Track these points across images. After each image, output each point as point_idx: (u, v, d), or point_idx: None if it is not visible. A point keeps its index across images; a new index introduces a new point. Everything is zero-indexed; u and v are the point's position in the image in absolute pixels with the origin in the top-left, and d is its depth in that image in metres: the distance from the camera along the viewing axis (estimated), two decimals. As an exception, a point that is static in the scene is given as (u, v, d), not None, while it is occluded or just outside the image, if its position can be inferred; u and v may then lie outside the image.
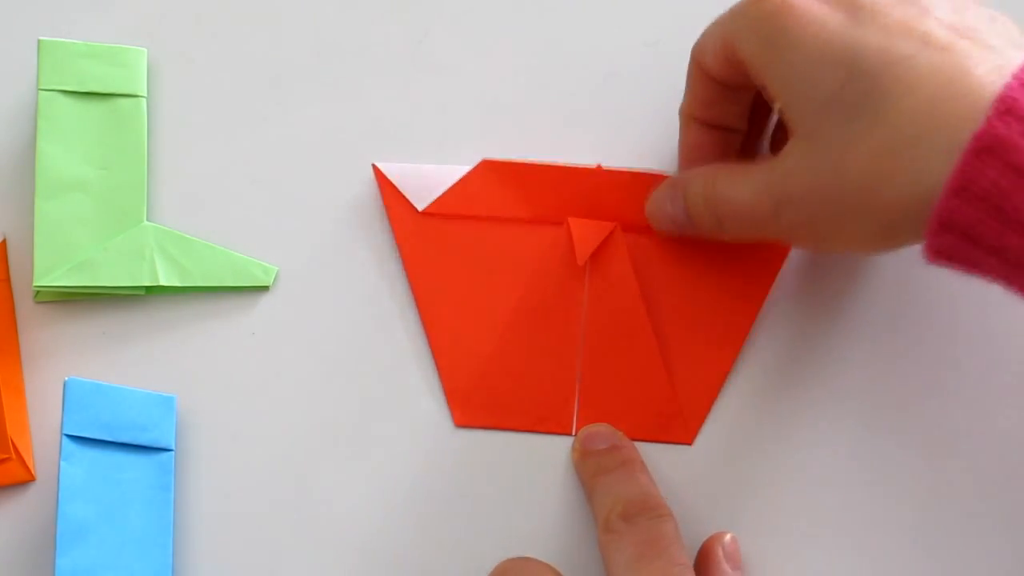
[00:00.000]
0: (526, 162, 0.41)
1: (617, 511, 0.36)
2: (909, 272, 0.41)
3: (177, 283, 0.41)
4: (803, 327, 0.41)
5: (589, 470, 0.38)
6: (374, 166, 0.41)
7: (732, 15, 0.35)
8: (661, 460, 0.40)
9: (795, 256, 0.41)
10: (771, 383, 0.40)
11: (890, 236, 0.32)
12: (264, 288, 0.42)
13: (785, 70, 0.33)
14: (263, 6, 0.44)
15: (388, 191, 0.41)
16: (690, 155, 0.39)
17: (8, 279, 0.42)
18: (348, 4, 0.44)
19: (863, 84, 0.31)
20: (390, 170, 0.41)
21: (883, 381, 0.40)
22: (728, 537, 0.38)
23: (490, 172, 0.41)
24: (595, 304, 0.40)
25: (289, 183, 0.42)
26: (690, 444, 0.40)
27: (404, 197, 0.41)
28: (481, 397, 0.40)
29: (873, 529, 0.39)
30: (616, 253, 0.40)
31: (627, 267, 0.40)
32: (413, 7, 0.44)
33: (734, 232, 0.37)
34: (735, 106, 0.38)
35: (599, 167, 0.41)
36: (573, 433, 0.40)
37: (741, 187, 0.35)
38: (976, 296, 0.40)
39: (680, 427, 0.40)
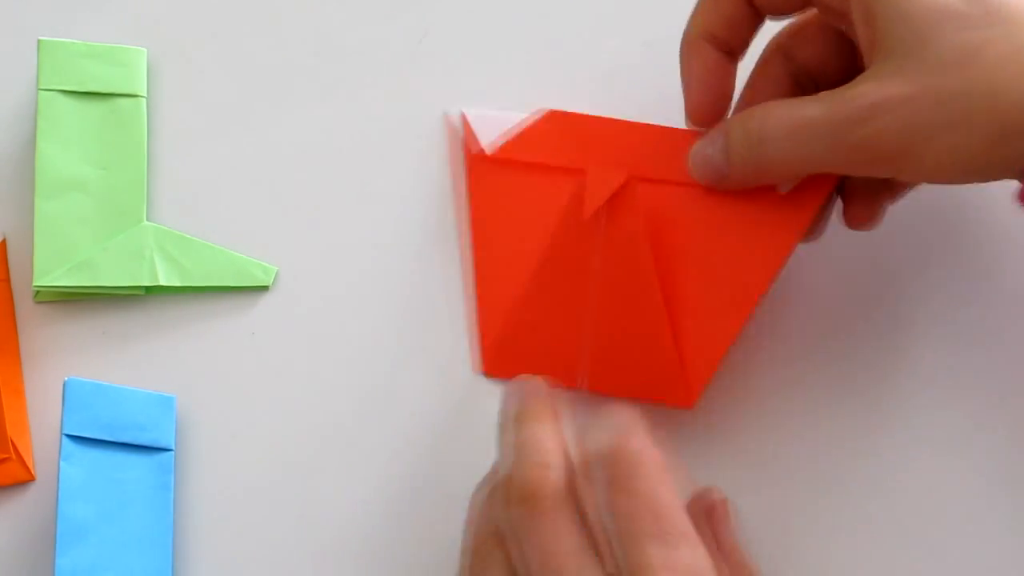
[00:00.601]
0: (591, 115, 0.40)
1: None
2: (916, 267, 0.41)
3: (177, 283, 0.41)
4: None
5: None
6: (462, 113, 0.42)
7: None
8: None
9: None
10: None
11: (994, 150, 0.32)
12: (264, 288, 0.42)
13: None
14: (263, 6, 0.44)
15: (467, 134, 0.42)
16: (702, 82, 0.38)
17: (8, 279, 0.42)
18: (348, 4, 0.44)
19: (985, 3, 0.32)
20: (472, 116, 0.42)
21: (894, 362, 0.40)
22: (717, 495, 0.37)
23: (555, 122, 0.41)
24: (606, 257, 0.39)
25: (289, 183, 0.42)
26: (691, 408, 0.39)
27: (478, 141, 0.41)
28: (507, 347, 0.41)
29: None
30: (629, 204, 0.39)
31: (638, 220, 0.39)
32: (413, 7, 0.44)
33: (783, 161, 0.35)
34: (751, 33, 0.38)
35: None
36: (582, 387, 0.39)
37: (808, 105, 0.34)
38: (979, 292, 0.40)
39: (682, 390, 0.39)
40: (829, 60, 0.37)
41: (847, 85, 0.34)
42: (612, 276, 0.39)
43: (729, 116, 0.38)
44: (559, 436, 0.35)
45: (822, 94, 0.34)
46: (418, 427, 0.40)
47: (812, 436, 0.40)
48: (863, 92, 0.33)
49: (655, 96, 0.42)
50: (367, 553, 0.40)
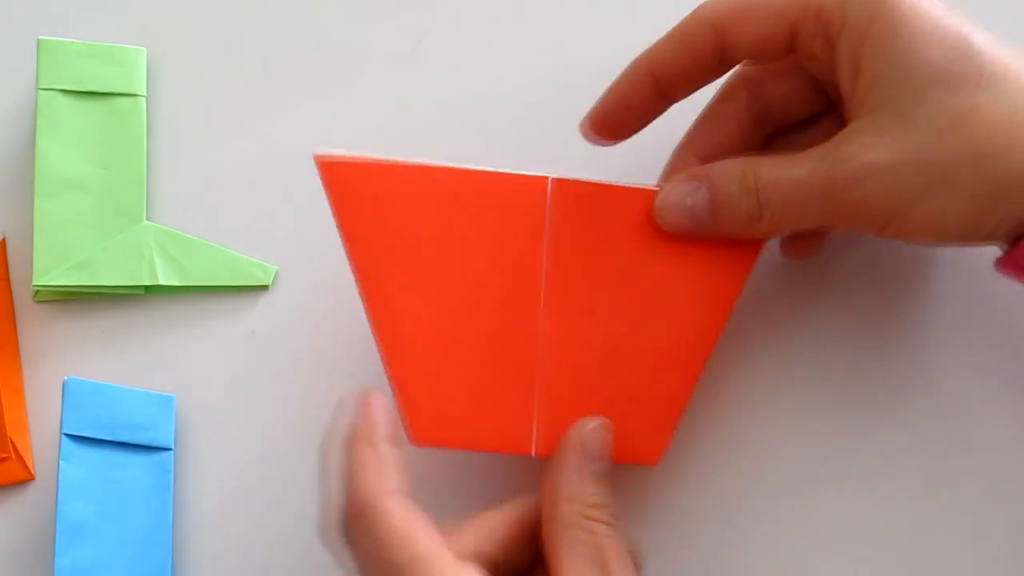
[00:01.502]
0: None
1: None
2: (910, 267, 0.41)
3: (176, 282, 0.41)
4: (781, 326, 0.40)
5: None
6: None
7: None
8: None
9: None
10: (763, 386, 0.40)
11: (980, 216, 0.32)
12: (263, 287, 0.42)
13: (892, 46, 0.33)
14: (263, 6, 0.44)
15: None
16: (623, 105, 0.37)
17: (8, 278, 0.42)
18: (348, 4, 0.44)
19: (975, 63, 0.32)
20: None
21: (882, 379, 0.40)
22: (592, 425, 0.35)
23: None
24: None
25: (289, 183, 0.42)
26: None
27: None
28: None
29: (870, 534, 0.39)
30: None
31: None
32: (413, 7, 0.44)
33: (777, 220, 0.35)
34: (703, 82, 0.37)
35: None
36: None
37: (798, 166, 0.34)
38: (976, 292, 0.40)
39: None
40: (796, 103, 0.37)
41: (834, 142, 0.34)
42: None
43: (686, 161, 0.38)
44: (395, 458, 0.33)
45: (811, 152, 0.34)
46: (418, 427, 0.40)
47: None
48: (852, 154, 0.33)
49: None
50: (366, 553, 0.40)
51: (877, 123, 0.33)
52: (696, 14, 0.36)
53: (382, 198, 0.36)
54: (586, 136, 0.38)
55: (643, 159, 0.42)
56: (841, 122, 0.35)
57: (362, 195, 0.36)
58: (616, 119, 0.38)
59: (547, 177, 0.37)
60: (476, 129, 0.43)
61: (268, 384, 0.41)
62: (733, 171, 0.35)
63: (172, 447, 0.39)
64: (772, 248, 0.40)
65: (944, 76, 0.32)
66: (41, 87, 0.41)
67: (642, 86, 0.37)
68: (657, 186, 0.37)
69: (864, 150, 0.33)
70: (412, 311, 0.36)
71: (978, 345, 0.40)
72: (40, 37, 0.41)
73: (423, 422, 0.36)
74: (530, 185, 0.36)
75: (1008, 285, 0.36)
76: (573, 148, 0.42)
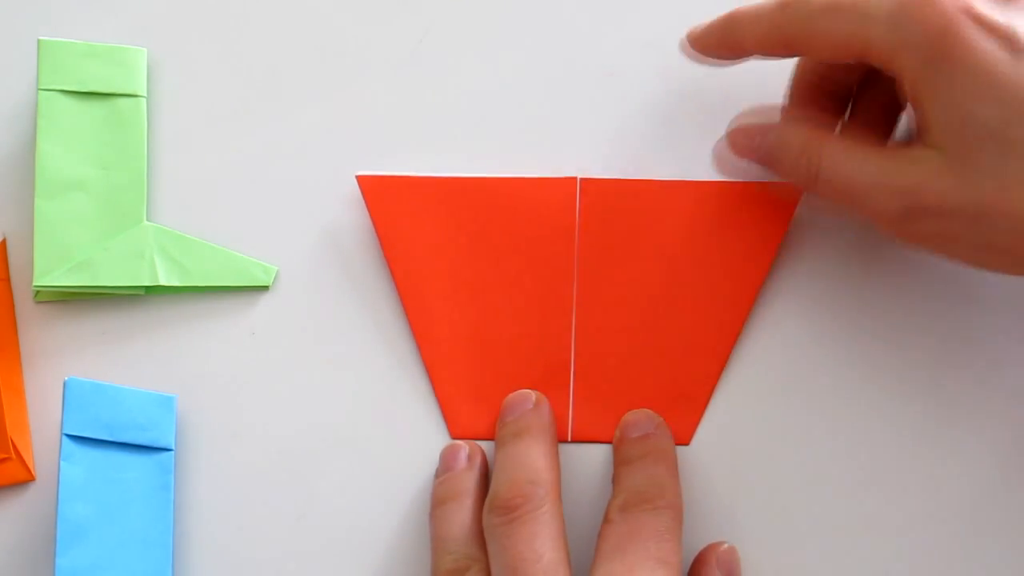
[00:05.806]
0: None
1: (619, 501, 0.36)
2: (910, 270, 0.41)
3: (177, 283, 0.41)
4: (801, 322, 0.41)
5: (616, 458, 0.38)
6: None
7: (887, 24, 0.32)
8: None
9: (793, 248, 0.41)
10: (769, 380, 0.40)
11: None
12: (264, 288, 0.42)
13: (944, 95, 0.32)
14: (263, 6, 0.44)
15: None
16: (717, 46, 0.38)
17: (8, 279, 0.42)
18: (348, 4, 0.44)
19: None
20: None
21: (885, 378, 0.40)
22: (724, 546, 0.38)
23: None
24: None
25: (289, 183, 0.42)
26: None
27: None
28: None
29: (872, 530, 0.39)
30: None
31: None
32: (413, 7, 0.44)
33: (826, 194, 0.35)
34: (847, 77, 0.38)
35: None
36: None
37: (860, 170, 0.34)
38: (976, 294, 0.40)
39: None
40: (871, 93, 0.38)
41: (902, 161, 0.33)
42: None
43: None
44: (552, 455, 0.37)
45: (875, 156, 0.34)
46: (419, 427, 0.40)
47: (810, 458, 0.40)
48: (909, 187, 0.33)
49: (656, 97, 0.42)
50: (367, 553, 0.40)
51: (938, 159, 0.32)
52: (793, 38, 0.35)
53: (417, 209, 0.40)
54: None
55: (646, 156, 0.42)
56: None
57: (398, 207, 0.40)
58: (712, 51, 0.39)
59: (575, 177, 0.40)
60: (476, 129, 0.43)
61: (269, 384, 0.41)
62: (807, 138, 0.35)
63: (173, 447, 0.39)
64: (789, 248, 0.41)
65: (995, 135, 0.31)
66: (41, 87, 0.41)
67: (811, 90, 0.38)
68: (692, 180, 0.40)
69: (922, 185, 0.32)
70: (448, 313, 0.40)
71: (981, 345, 0.40)
72: (40, 38, 0.41)
73: (463, 417, 0.40)
74: (560, 187, 0.40)
75: (1010, 285, 0.36)
76: (573, 148, 0.42)
